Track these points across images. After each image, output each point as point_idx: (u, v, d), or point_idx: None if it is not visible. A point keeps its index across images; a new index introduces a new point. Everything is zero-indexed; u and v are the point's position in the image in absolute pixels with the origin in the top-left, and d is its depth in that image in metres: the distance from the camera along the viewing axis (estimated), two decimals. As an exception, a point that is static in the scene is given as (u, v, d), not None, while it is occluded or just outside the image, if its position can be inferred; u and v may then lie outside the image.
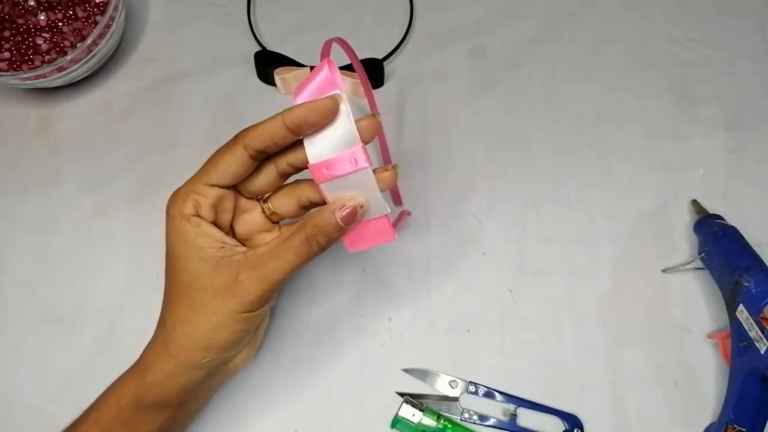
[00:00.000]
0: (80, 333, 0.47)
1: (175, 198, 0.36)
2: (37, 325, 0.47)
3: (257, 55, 0.53)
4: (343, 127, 0.33)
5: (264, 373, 0.45)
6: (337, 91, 0.33)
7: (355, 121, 0.33)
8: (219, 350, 0.35)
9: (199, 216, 0.35)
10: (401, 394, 0.44)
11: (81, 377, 0.46)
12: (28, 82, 0.50)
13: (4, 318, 0.48)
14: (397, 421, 0.44)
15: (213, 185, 0.35)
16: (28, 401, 0.46)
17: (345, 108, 0.33)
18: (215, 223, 0.36)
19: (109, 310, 0.48)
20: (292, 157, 0.35)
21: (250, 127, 0.34)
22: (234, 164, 0.34)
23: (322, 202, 0.36)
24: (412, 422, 0.43)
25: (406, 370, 0.45)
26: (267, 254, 0.34)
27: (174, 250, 0.35)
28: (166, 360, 0.35)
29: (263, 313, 0.37)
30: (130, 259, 0.49)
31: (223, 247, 0.35)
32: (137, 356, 0.37)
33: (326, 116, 0.32)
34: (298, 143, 0.34)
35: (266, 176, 0.37)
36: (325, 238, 0.34)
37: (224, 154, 0.35)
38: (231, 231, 0.38)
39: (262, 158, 0.35)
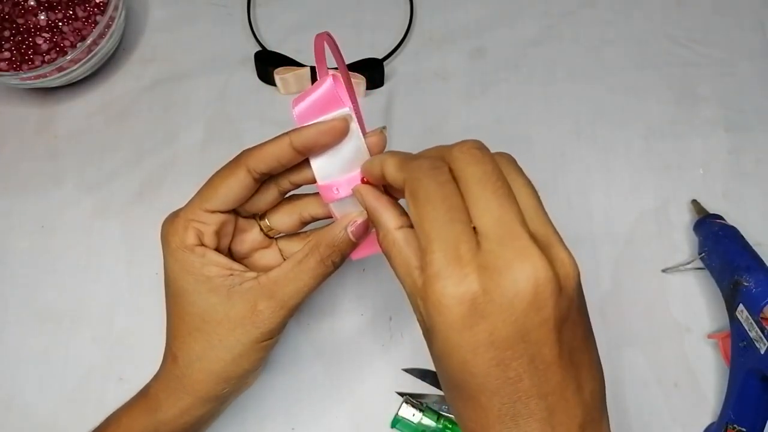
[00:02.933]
0: (80, 333, 0.47)
1: (173, 227, 0.34)
2: (37, 325, 0.47)
3: (257, 55, 0.53)
4: (353, 146, 0.32)
5: (264, 373, 0.45)
6: (346, 110, 0.31)
7: (364, 138, 0.32)
8: (238, 380, 0.34)
9: (203, 245, 0.33)
10: (401, 394, 0.44)
11: (81, 377, 0.46)
12: (28, 82, 0.50)
13: (4, 318, 0.48)
14: (397, 421, 0.44)
15: (214, 211, 0.33)
16: (28, 401, 0.46)
17: (354, 127, 0.32)
18: (217, 249, 0.34)
19: (109, 310, 0.48)
20: (296, 177, 0.34)
21: (253, 149, 0.33)
22: (237, 188, 0.33)
23: (325, 217, 0.36)
24: (412, 422, 0.43)
25: (406, 370, 0.45)
26: (282, 279, 0.33)
27: (178, 283, 0.33)
28: (181, 396, 0.34)
29: (281, 336, 0.36)
30: (130, 259, 0.49)
31: (231, 275, 0.33)
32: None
33: (337, 138, 0.31)
34: (302, 161, 0.33)
35: (267, 196, 0.35)
36: (339, 257, 0.33)
37: (226, 178, 0.33)
38: (228, 252, 0.36)
39: (265, 179, 0.34)
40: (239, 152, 0.34)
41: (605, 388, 0.27)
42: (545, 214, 0.27)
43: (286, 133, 0.32)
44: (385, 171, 0.29)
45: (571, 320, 0.25)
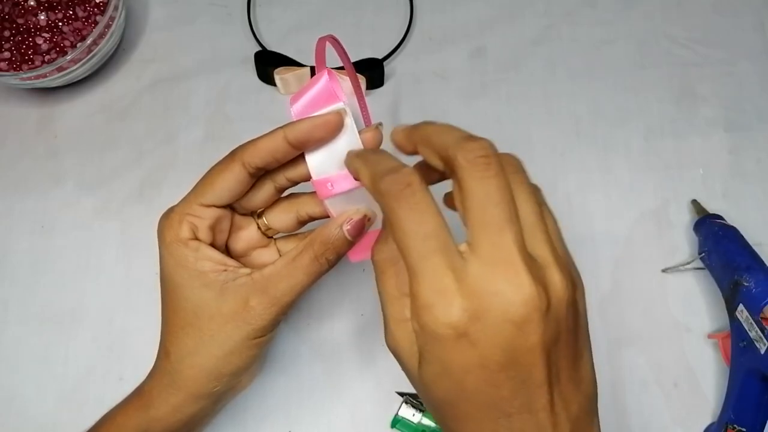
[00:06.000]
0: (80, 333, 0.47)
1: (168, 221, 0.34)
2: (37, 325, 0.47)
3: (257, 55, 0.53)
4: (348, 141, 0.32)
5: (264, 373, 0.45)
6: (341, 104, 0.32)
7: (359, 133, 0.32)
8: (230, 377, 0.34)
9: (197, 239, 0.33)
10: (401, 394, 0.44)
11: (81, 377, 0.46)
12: (28, 82, 0.50)
13: (4, 318, 0.48)
14: (397, 421, 0.44)
15: (210, 206, 0.33)
16: (28, 401, 0.46)
17: (349, 122, 0.32)
18: (212, 245, 0.34)
19: (109, 310, 0.48)
20: (291, 173, 0.34)
21: (248, 143, 0.33)
22: (232, 182, 0.33)
23: (322, 216, 0.35)
24: (412, 422, 0.43)
25: (406, 370, 0.45)
26: (276, 276, 0.33)
27: (172, 277, 0.33)
28: (172, 392, 0.34)
29: (275, 335, 0.35)
30: (130, 259, 0.49)
31: (225, 270, 0.33)
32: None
33: (331, 132, 0.31)
34: (298, 156, 0.33)
35: (263, 192, 0.35)
36: (334, 254, 0.33)
37: (221, 172, 0.33)
38: (225, 250, 0.36)
39: (261, 174, 0.34)
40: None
41: (597, 393, 0.28)
42: (545, 230, 0.26)
43: (281, 128, 0.32)
44: (362, 179, 0.28)
45: (561, 341, 0.25)
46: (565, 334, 0.25)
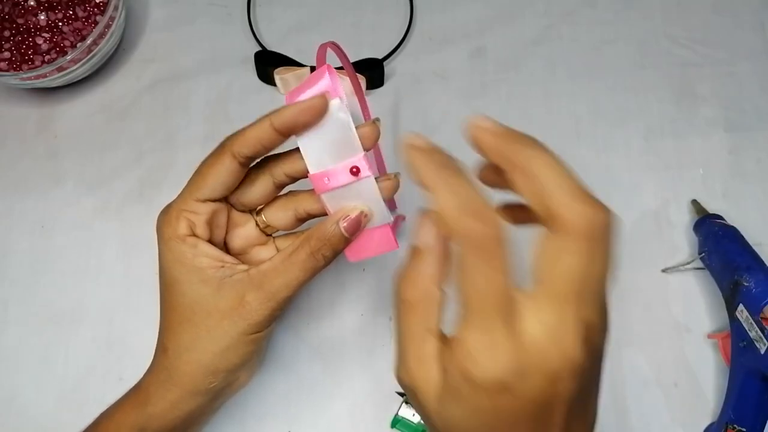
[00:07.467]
0: (80, 333, 0.47)
1: (166, 218, 0.34)
2: (37, 325, 0.47)
3: (257, 55, 0.53)
4: (344, 135, 0.32)
5: (263, 372, 0.45)
6: (337, 99, 0.32)
7: (356, 128, 0.32)
8: (227, 374, 0.34)
9: (195, 235, 0.34)
10: (401, 394, 0.44)
11: (81, 377, 0.46)
12: (28, 82, 0.50)
13: (4, 318, 0.48)
14: (397, 421, 0.44)
15: (205, 200, 0.33)
16: (28, 401, 0.46)
17: (346, 116, 0.32)
18: (210, 241, 0.34)
19: (109, 310, 0.48)
20: (289, 167, 0.34)
21: (236, 134, 0.33)
22: (224, 174, 0.33)
23: (320, 214, 0.35)
24: (412, 422, 0.43)
25: (406, 370, 0.45)
26: (272, 272, 0.33)
27: (171, 273, 0.34)
28: (170, 388, 0.34)
29: (271, 331, 0.36)
30: (130, 259, 0.49)
31: (223, 266, 0.33)
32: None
33: (316, 116, 0.31)
34: (295, 152, 0.33)
35: (261, 187, 0.35)
36: (330, 251, 0.33)
37: (212, 165, 0.33)
38: (224, 246, 0.36)
39: (253, 164, 0.34)
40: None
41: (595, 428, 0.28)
42: (601, 293, 0.25)
43: (267, 115, 0.32)
44: (439, 203, 0.25)
45: (584, 389, 0.25)
46: (587, 382, 0.26)
